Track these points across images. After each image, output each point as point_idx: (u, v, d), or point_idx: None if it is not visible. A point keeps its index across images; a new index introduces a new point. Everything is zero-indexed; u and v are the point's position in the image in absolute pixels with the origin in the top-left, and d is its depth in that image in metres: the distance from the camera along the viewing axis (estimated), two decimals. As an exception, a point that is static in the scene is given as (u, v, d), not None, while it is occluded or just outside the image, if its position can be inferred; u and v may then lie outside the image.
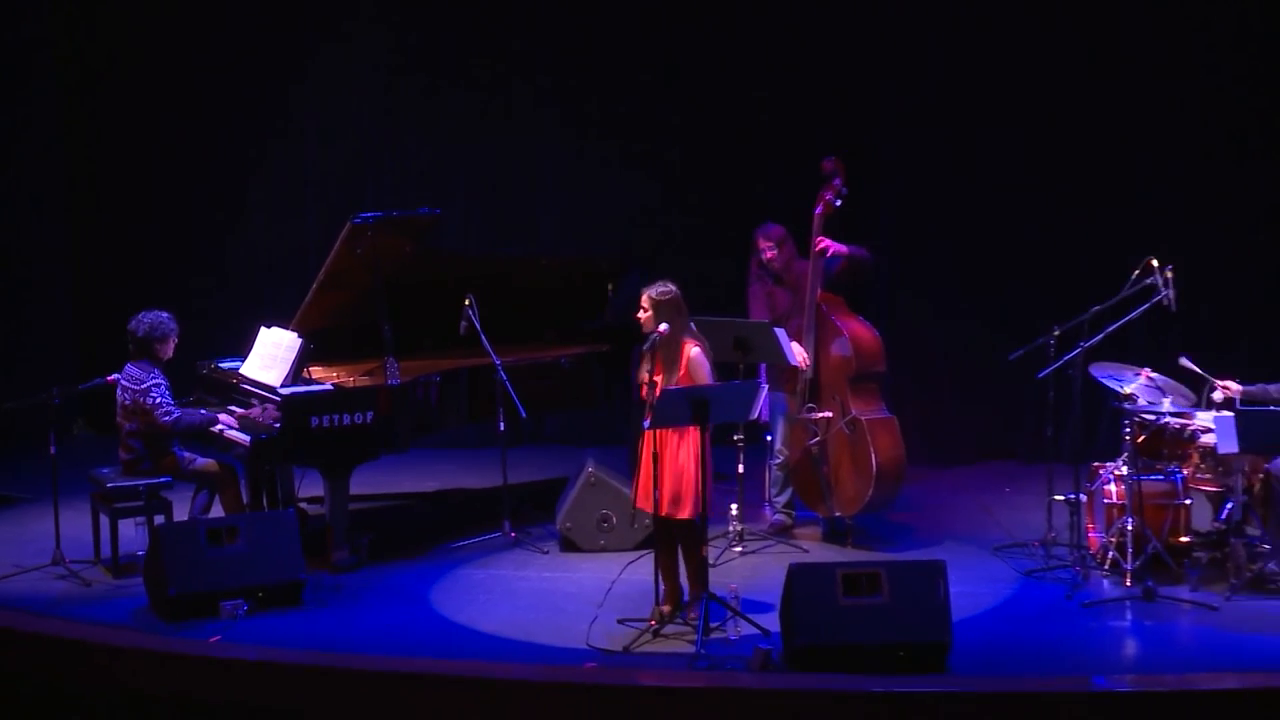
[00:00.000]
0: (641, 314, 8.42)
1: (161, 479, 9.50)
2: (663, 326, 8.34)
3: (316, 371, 9.91)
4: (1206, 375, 9.26)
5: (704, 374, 8.41)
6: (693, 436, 8.26)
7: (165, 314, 9.57)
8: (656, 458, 8.28)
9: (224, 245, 13.13)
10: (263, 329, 9.88)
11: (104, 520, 9.51)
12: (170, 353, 9.55)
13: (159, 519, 9.38)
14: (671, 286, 8.43)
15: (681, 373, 8.37)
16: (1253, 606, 8.63)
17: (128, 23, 13.02)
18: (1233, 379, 9.28)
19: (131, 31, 13.02)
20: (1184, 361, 9.31)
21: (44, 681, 7.84)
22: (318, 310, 9.91)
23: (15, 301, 13.01)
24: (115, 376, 9.57)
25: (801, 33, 12.17)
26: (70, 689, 7.74)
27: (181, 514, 9.63)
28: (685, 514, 8.31)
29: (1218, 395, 9.16)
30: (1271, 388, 9.36)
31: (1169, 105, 11.69)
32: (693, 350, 8.42)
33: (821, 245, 9.84)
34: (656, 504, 8.33)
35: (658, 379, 8.32)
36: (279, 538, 8.95)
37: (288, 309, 10.01)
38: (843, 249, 9.89)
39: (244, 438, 9.45)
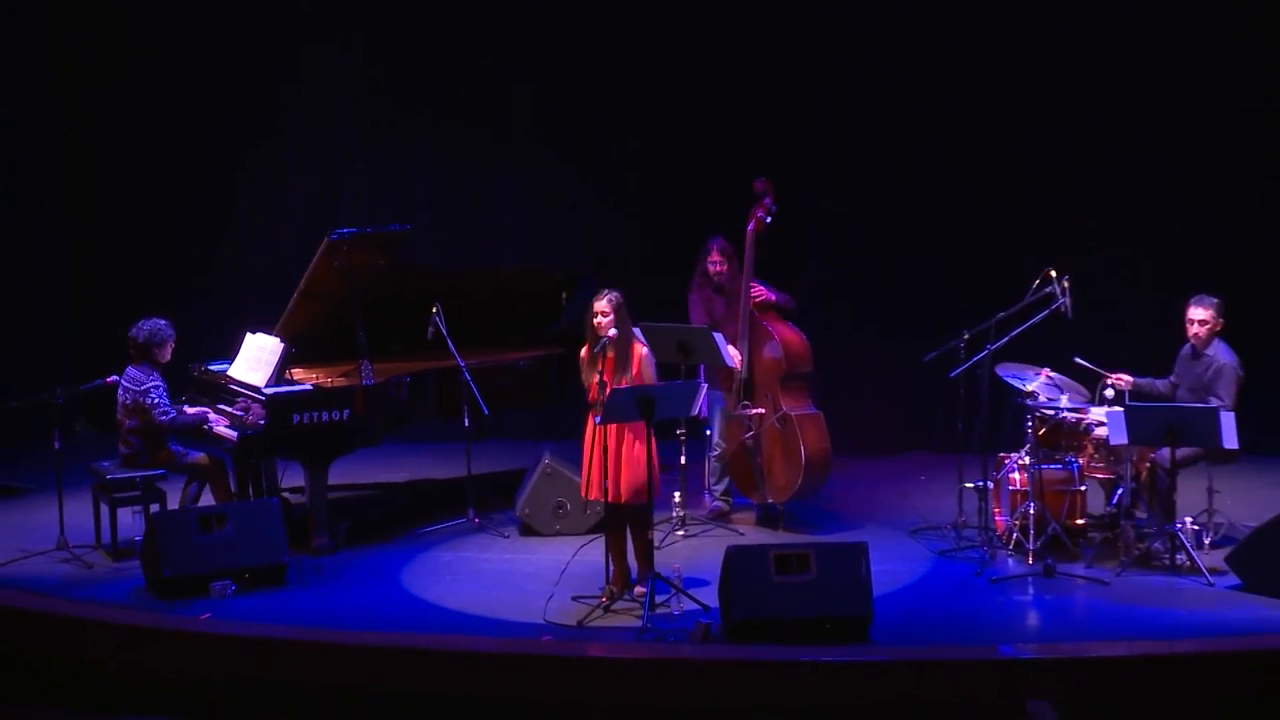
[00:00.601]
0: (603, 319, 8.44)
1: (157, 471, 9.49)
2: (612, 331, 8.39)
3: (298, 373, 9.89)
4: (1100, 370, 9.36)
5: (652, 371, 8.50)
6: (643, 430, 8.33)
7: (164, 321, 9.57)
8: (607, 450, 8.32)
9: (213, 257, 13.03)
10: (248, 334, 9.87)
11: (104, 509, 9.48)
12: (169, 356, 9.54)
13: (154, 507, 9.36)
14: (619, 293, 8.50)
15: (635, 371, 8.44)
16: (1140, 581, 8.74)
17: (123, 43, 12.88)
18: (1126, 372, 9.41)
19: (126, 52, 12.87)
20: (1078, 360, 9.42)
21: (49, 656, 7.81)
22: (298, 317, 9.90)
23: (18, 305, 12.88)
24: (115, 378, 9.56)
25: (738, 60, 12.19)
26: (74, 663, 7.72)
27: (174, 503, 9.60)
28: (642, 500, 8.38)
29: (1109, 393, 9.26)
30: (1159, 382, 9.49)
31: (1067, 125, 11.77)
32: (643, 350, 8.50)
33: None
34: (614, 492, 8.37)
35: (607, 379, 8.37)
36: (264, 524, 8.95)
37: (271, 316, 10.00)
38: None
39: (232, 433, 9.45)
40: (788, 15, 12.10)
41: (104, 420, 10.59)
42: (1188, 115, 11.62)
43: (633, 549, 8.60)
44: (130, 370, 9.46)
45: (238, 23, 12.79)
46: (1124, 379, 9.33)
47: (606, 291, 8.49)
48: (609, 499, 8.42)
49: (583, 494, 8.79)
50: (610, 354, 8.42)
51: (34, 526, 9.99)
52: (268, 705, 7.37)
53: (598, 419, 8.30)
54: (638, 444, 8.37)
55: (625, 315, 8.46)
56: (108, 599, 8.73)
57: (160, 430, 9.42)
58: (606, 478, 8.35)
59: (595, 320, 8.44)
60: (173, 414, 9.39)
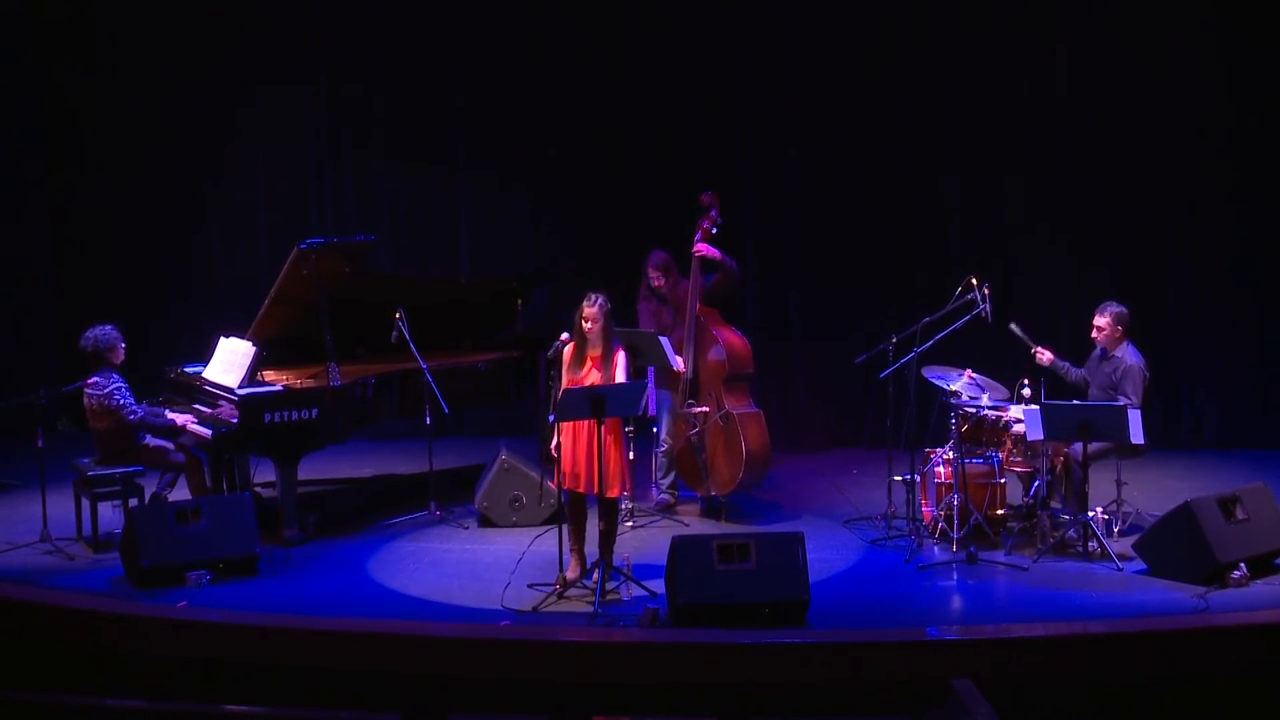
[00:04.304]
0: (593, 324, 8.37)
1: (134, 467, 9.40)
2: (565, 335, 8.41)
3: (269, 374, 9.82)
4: (1029, 340, 9.41)
5: (625, 372, 8.52)
6: (620, 429, 8.41)
7: (108, 326, 9.44)
8: (604, 447, 8.24)
9: (189, 265, 12.91)
10: (222, 338, 9.79)
11: (85, 503, 9.39)
12: (122, 356, 9.44)
13: (133, 501, 9.28)
14: (605, 298, 8.47)
15: (614, 369, 8.45)
16: (1056, 567, 8.79)
17: (104, 60, 12.75)
18: (1049, 347, 9.46)
19: (107, 68, 12.74)
20: (1012, 327, 9.44)
21: (34, 641, 7.74)
22: (269, 322, 9.84)
23: (5, 312, 12.75)
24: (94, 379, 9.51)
25: (680, 81, 12.19)
26: (57, 647, 7.65)
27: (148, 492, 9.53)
28: (616, 491, 8.43)
29: (1027, 392, 9.27)
30: (1075, 370, 9.57)
31: (989, 134, 11.81)
32: (621, 352, 8.52)
33: (699, 249, 9.88)
34: (601, 486, 8.30)
35: (598, 373, 8.38)
36: (237, 517, 8.88)
37: (243, 321, 9.94)
38: (715, 253, 9.92)
39: (206, 431, 9.38)
40: (717, 33, 12.09)
41: (85, 420, 10.45)
42: (1110, 120, 11.63)
43: (600, 537, 8.50)
44: (94, 377, 9.33)
45: (209, 64, 12.64)
46: (1045, 354, 9.42)
47: (595, 296, 8.45)
48: (607, 492, 8.35)
49: (568, 487, 8.49)
50: (597, 352, 8.42)
51: (18, 520, 9.88)
52: (241, 687, 7.32)
53: (551, 416, 8.28)
54: (620, 439, 8.46)
55: (610, 319, 8.46)
56: (89, 588, 8.63)
57: (131, 429, 9.32)
58: (593, 472, 8.30)
59: (586, 324, 8.41)
60: (141, 412, 9.31)
